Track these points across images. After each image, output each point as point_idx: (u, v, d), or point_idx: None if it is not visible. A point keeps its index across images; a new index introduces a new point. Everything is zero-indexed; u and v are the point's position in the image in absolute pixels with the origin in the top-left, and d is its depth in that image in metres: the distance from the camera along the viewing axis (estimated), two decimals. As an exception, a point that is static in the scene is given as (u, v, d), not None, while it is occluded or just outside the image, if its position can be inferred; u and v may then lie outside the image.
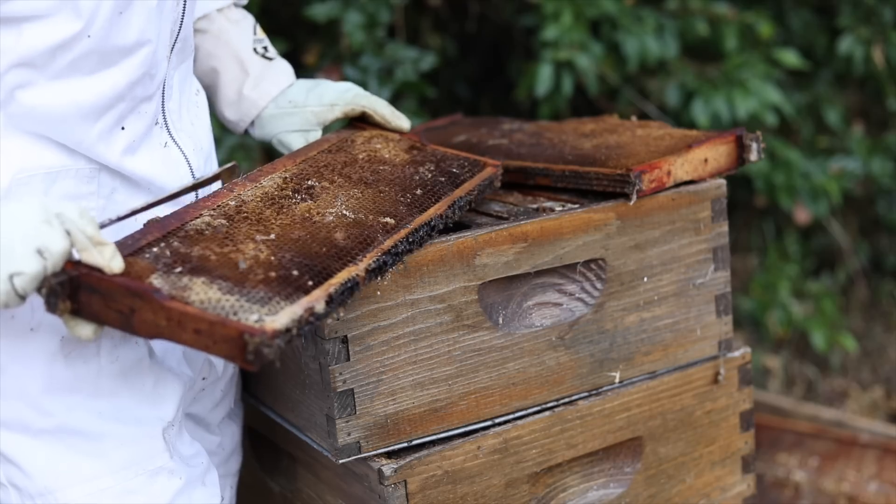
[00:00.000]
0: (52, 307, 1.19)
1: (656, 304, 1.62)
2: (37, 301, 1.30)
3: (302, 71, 1.73)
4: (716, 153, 1.64)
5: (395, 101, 2.65)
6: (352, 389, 1.41)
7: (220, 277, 1.21)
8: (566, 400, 1.58)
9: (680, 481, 1.69)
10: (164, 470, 1.39)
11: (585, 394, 1.59)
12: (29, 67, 1.27)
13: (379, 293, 1.40)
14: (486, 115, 3.28)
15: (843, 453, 2.54)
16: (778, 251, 3.44)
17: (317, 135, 1.62)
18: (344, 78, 2.64)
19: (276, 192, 1.40)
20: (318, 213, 1.37)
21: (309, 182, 1.44)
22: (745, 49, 3.00)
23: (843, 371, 3.31)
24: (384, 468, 1.43)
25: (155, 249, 1.25)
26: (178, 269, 1.21)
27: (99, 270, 1.19)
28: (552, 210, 1.54)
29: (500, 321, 1.51)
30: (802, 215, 3.45)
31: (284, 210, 1.37)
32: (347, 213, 1.38)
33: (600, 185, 1.58)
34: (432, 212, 1.43)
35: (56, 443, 1.33)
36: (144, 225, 1.31)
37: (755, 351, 3.19)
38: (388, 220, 1.39)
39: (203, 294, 1.18)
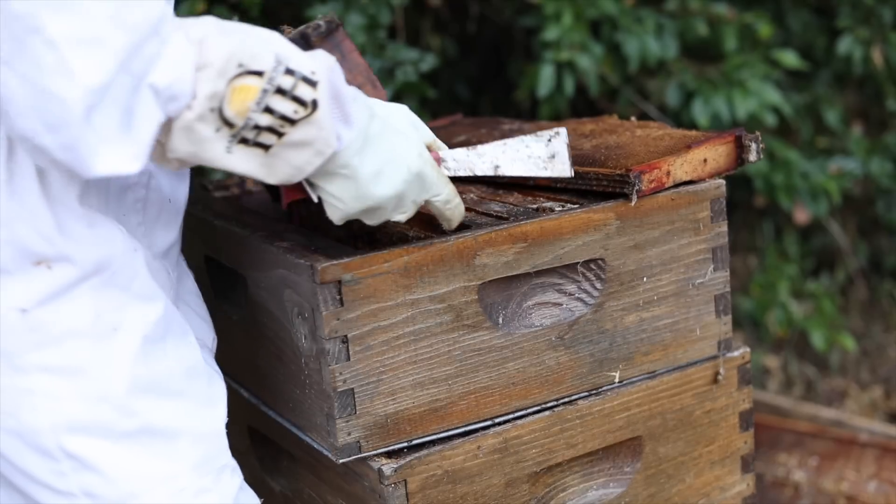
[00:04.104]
0: None
1: (656, 304, 1.62)
2: (122, 298, 1.28)
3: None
4: (715, 153, 1.64)
5: (395, 101, 2.65)
6: (352, 389, 1.41)
7: None
8: (566, 400, 1.58)
9: (679, 481, 1.69)
10: (227, 467, 1.39)
11: (585, 394, 1.60)
12: None
13: (379, 293, 1.41)
14: (486, 115, 3.28)
15: (843, 453, 2.54)
16: (777, 251, 3.45)
17: None
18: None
19: None
20: None
21: None
22: (744, 49, 3.01)
23: (842, 371, 3.32)
24: (384, 468, 1.43)
25: None
26: None
27: None
28: (552, 210, 1.54)
29: (500, 321, 1.51)
30: (802, 215, 3.45)
31: None
32: None
33: (600, 186, 1.58)
34: None
35: (135, 445, 1.31)
36: None
37: (755, 351, 3.19)
38: None
39: None
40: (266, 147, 1.21)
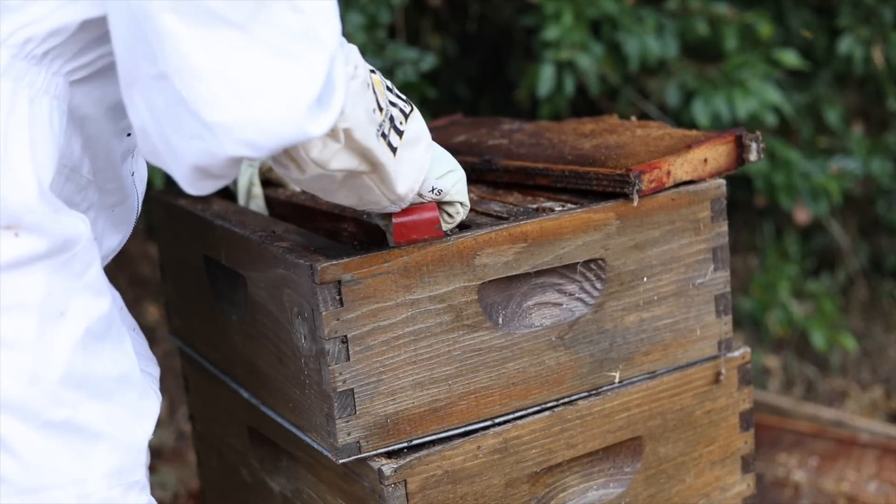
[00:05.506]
0: None
1: (656, 304, 1.62)
2: (73, 285, 1.27)
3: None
4: (715, 153, 1.64)
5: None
6: (352, 389, 1.41)
7: None
8: (566, 400, 1.58)
9: (680, 481, 1.69)
10: (138, 484, 1.35)
11: (585, 394, 1.59)
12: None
13: (379, 293, 1.41)
14: (486, 115, 3.28)
15: (843, 453, 2.54)
16: (778, 251, 3.45)
17: None
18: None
19: None
20: None
21: None
22: (745, 49, 3.00)
23: (842, 371, 3.32)
24: (384, 468, 1.43)
25: None
26: None
27: None
28: (552, 210, 1.54)
29: (500, 321, 1.51)
30: (802, 215, 3.45)
31: None
32: None
33: (600, 186, 1.58)
34: None
35: (56, 437, 1.28)
36: None
37: (755, 351, 3.19)
38: None
39: None
40: (394, 150, 1.32)
